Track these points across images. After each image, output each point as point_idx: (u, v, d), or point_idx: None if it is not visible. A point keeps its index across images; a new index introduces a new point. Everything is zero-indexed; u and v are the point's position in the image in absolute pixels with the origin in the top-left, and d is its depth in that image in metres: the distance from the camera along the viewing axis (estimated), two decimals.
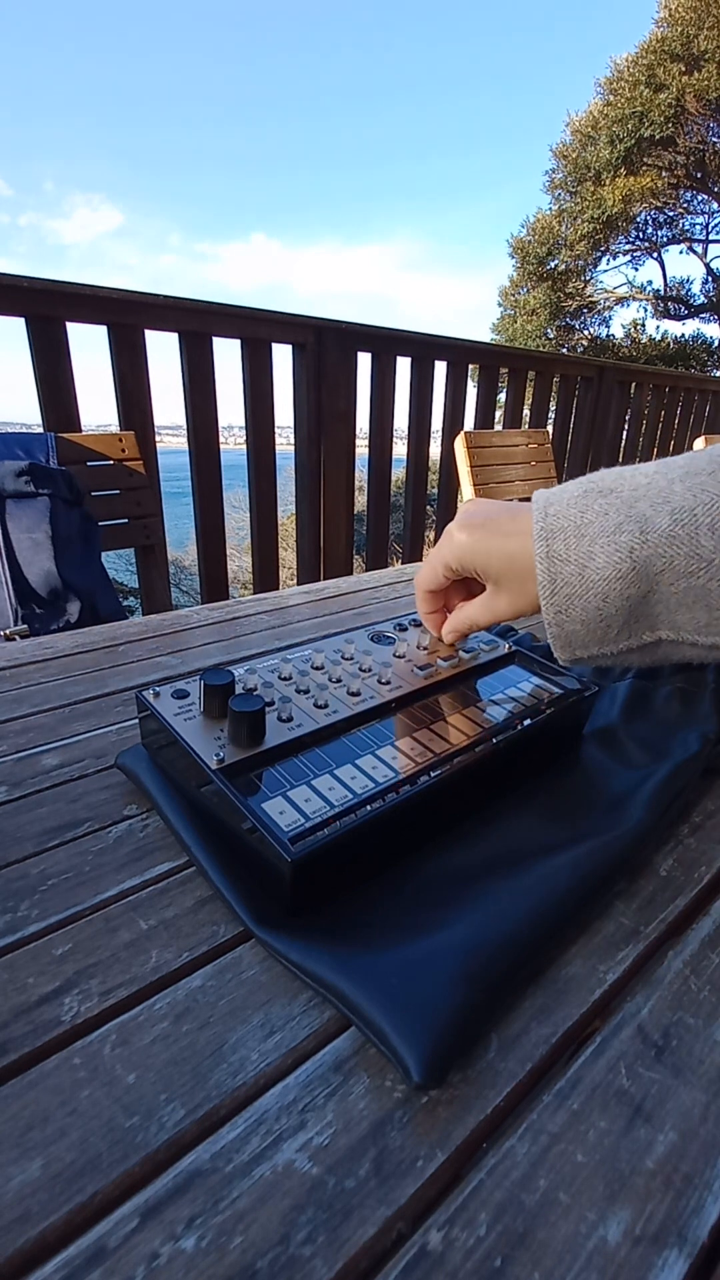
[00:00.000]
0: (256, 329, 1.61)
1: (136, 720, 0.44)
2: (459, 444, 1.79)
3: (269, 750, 0.33)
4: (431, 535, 3.15)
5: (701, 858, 0.34)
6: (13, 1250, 0.18)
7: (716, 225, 11.45)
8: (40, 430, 1.22)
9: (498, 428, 2.41)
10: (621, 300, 12.30)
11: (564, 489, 0.33)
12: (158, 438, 1.49)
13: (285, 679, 0.39)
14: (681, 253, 12.04)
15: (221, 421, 1.60)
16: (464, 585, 0.41)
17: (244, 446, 1.71)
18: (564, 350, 11.88)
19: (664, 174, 10.08)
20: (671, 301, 12.29)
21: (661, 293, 12.29)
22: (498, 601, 0.36)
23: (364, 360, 1.87)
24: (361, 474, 2.12)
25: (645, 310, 12.45)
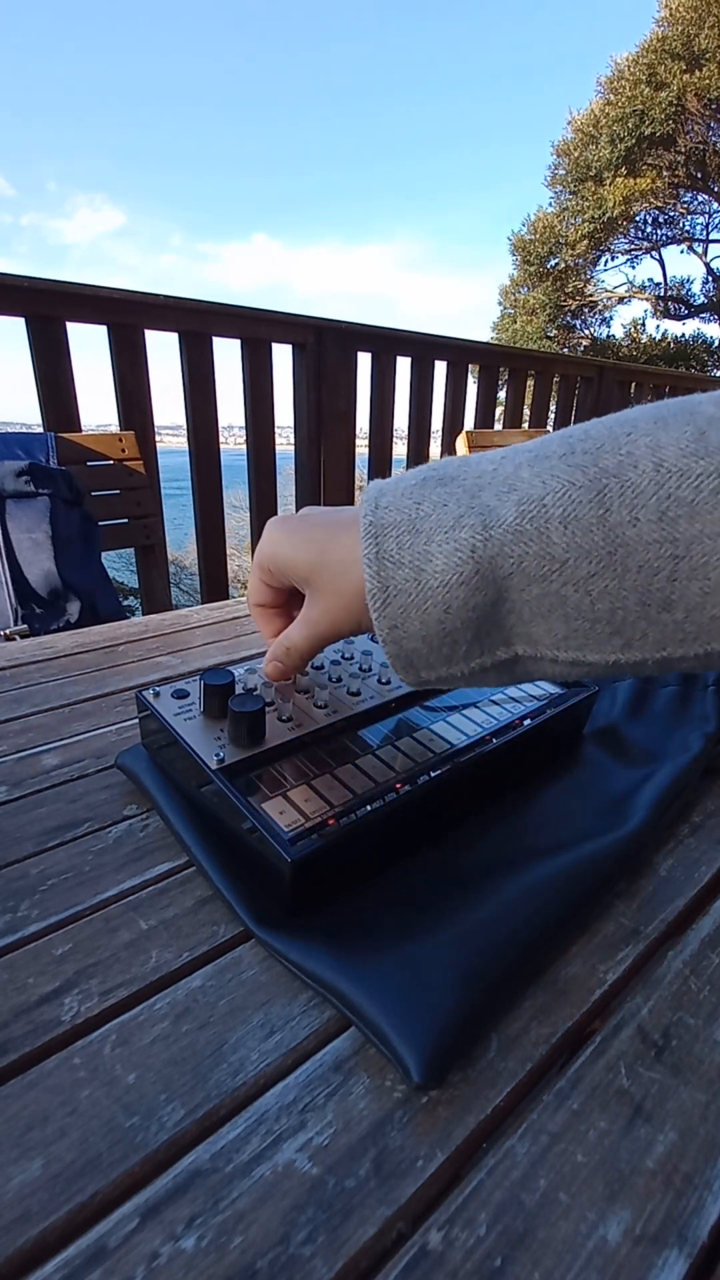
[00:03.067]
0: (256, 329, 1.61)
1: (136, 720, 0.44)
2: (461, 443, 1.78)
3: (269, 750, 0.33)
4: None
5: (702, 858, 0.34)
6: (13, 1250, 0.18)
7: (717, 225, 11.45)
8: (40, 430, 1.21)
9: (498, 427, 2.41)
10: (622, 300, 12.30)
11: (401, 477, 0.27)
12: (158, 438, 1.49)
13: None
14: (681, 252, 12.04)
15: (221, 421, 1.60)
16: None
17: (244, 446, 1.71)
18: (564, 350, 11.87)
19: (664, 174, 10.08)
20: (672, 301, 12.29)
21: (662, 292, 12.29)
22: (311, 610, 0.29)
23: (364, 360, 1.87)
24: (361, 474, 2.12)
25: (646, 310, 12.46)
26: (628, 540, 0.21)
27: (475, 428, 2.29)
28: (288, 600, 0.33)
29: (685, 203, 11.04)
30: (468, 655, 0.25)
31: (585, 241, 10.76)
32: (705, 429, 0.21)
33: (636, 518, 0.21)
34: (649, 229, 11.53)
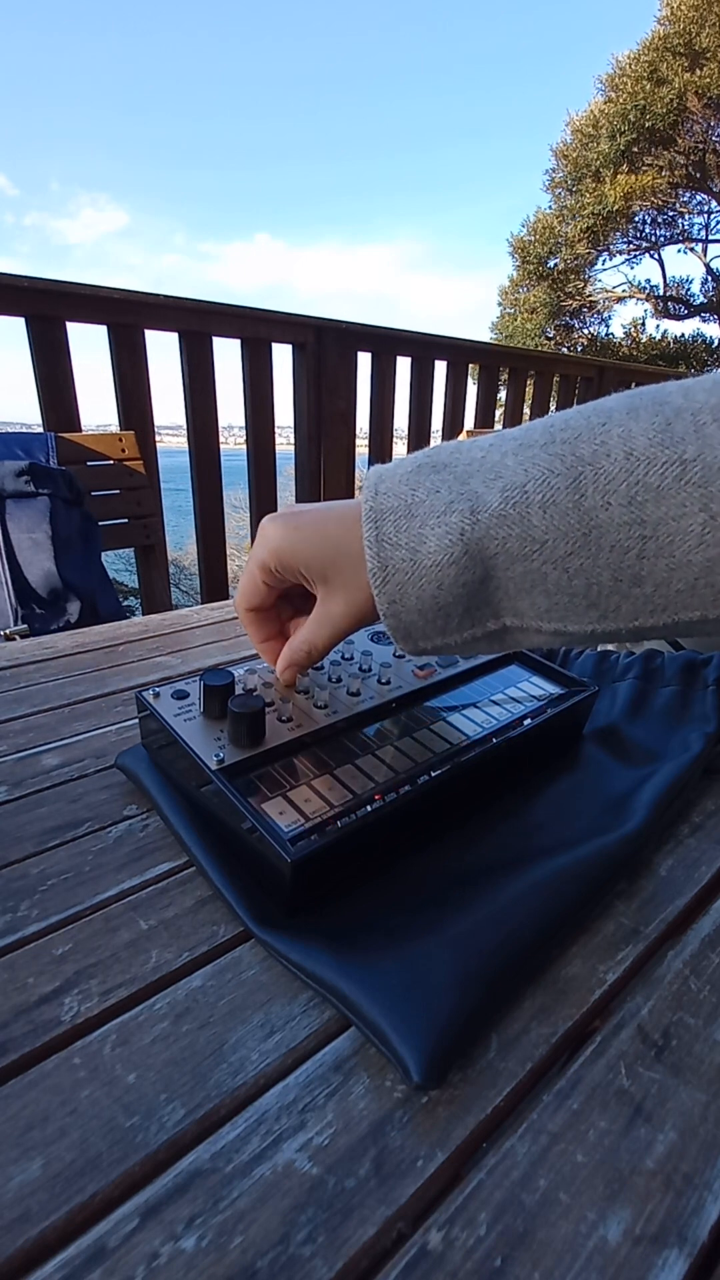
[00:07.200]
0: (257, 329, 1.61)
1: (136, 720, 0.44)
2: None
3: (269, 750, 0.33)
4: None
5: (702, 858, 0.34)
6: (13, 1250, 0.18)
7: (716, 225, 11.44)
8: (40, 430, 1.21)
9: (498, 427, 2.41)
10: (620, 300, 12.30)
11: (399, 464, 0.29)
12: (158, 438, 1.49)
13: None
14: (680, 252, 12.03)
15: (221, 421, 1.60)
16: (297, 608, 0.35)
17: (244, 446, 1.71)
18: (564, 349, 11.87)
19: (664, 173, 10.07)
20: (671, 301, 12.29)
21: (661, 292, 12.29)
22: (331, 605, 0.30)
23: (364, 360, 1.87)
24: (361, 474, 2.12)
25: (645, 310, 12.46)
26: (601, 523, 0.24)
27: (475, 428, 2.29)
28: (278, 602, 0.34)
29: (685, 202, 11.03)
30: (460, 626, 0.27)
31: (585, 240, 10.74)
32: (672, 420, 0.23)
33: (609, 502, 0.23)
34: (648, 229, 11.52)
